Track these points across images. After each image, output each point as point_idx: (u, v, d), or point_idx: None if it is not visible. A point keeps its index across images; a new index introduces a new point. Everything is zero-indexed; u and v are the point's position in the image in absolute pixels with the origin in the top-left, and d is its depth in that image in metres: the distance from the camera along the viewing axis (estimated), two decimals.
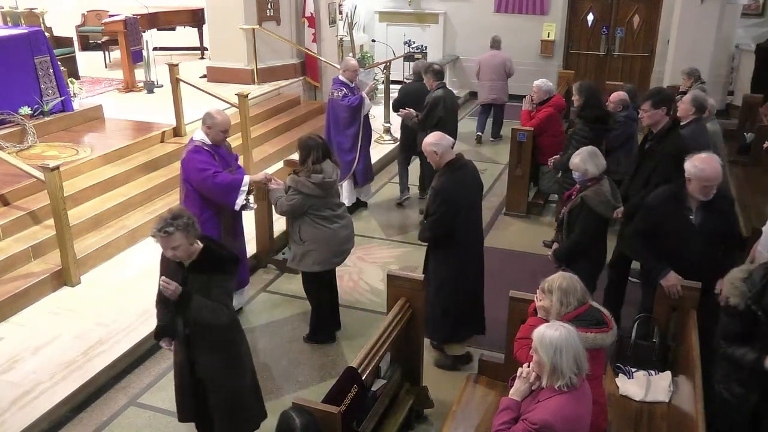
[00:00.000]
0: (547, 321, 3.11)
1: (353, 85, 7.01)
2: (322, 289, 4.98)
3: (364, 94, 7.01)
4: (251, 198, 5.07)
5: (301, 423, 2.78)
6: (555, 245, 4.64)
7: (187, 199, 4.89)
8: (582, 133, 6.00)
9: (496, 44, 9.97)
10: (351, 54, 10.76)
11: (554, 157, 6.43)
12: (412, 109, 6.90)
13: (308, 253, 4.74)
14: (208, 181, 4.69)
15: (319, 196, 4.63)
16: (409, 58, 11.78)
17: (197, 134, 4.83)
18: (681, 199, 3.98)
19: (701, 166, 3.86)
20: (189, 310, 3.32)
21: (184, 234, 3.28)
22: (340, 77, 7.01)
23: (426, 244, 4.65)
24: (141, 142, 7.35)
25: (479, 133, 10.01)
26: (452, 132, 7.07)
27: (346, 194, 7.17)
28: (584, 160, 4.33)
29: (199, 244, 3.42)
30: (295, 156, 5.82)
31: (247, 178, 4.83)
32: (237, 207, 4.81)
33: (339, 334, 5.16)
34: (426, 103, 6.83)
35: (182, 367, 3.71)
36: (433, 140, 4.39)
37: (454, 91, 7.80)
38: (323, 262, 4.80)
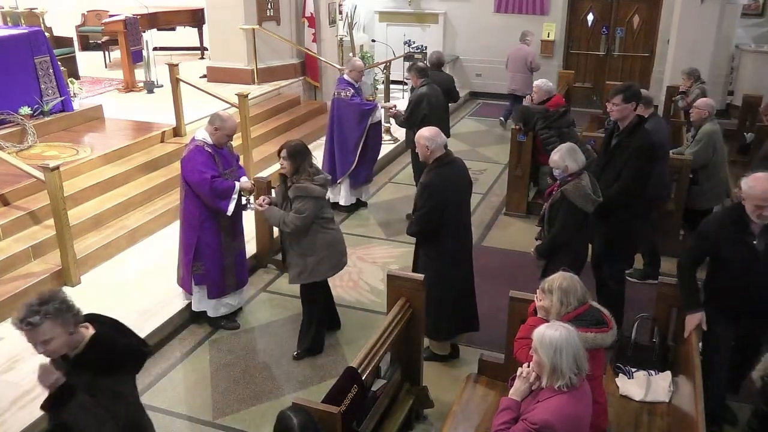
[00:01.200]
0: (547, 321, 3.11)
1: (358, 85, 7.01)
2: (321, 296, 4.93)
3: (380, 104, 7.01)
4: (251, 198, 5.08)
5: (299, 422, 2.78)
6: (537, 242, 4.67)
7: (186, 198, 4.90)
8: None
9: (522, 38, 10.49)
10: (351, 54, 10.76)
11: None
12: (397, 105, 6.98)
13: (322, 260, 4.61)
14: (205, 185, 4.70)
15: (323, 197, 4.63)
16: (409, 58, 11.78)
17: (200, 133, 4.83)
18: (741, 223, 3.58)
19: (751, 183, 3.49)
20: (64, 411, 2.51)
21: (56, 323, 2.55)
22: (346, 77, 7.01)
23: (414, 239, 4.68)
24: (141, 142, 7.35)
25: (501, 119, 10.91)
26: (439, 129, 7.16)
27: (344, 194, 7.18)
28: (563, 156, 4.35)
29: (87, 331, 2.62)
30: None
31: (237, 186, 4.83)
32: (229, 212, 4.81)
33: (339, 334, 5.17)
34: (409, 101, 6.92)
35: None
36: (428, 135, 4.43)
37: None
38: (337, 264, 4.76)
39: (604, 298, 4.75)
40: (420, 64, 7.25)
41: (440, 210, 4.36)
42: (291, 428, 2.77)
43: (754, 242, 3.57)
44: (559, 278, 3.20)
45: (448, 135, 7.25)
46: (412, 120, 6.74)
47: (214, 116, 4.80)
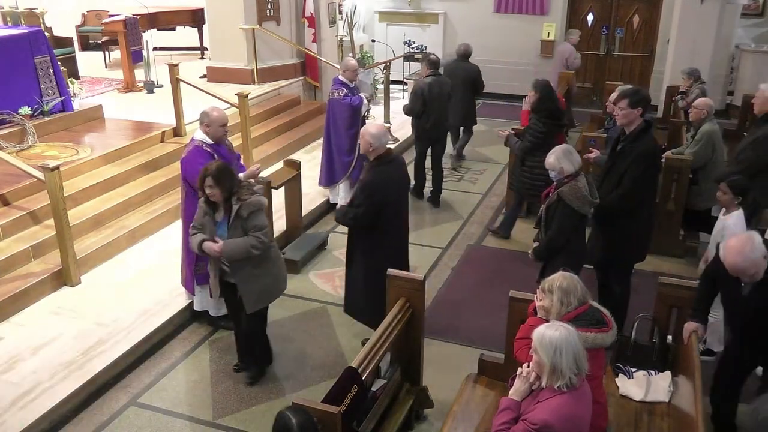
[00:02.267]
0: (547, 321, 3.11)
1: (353, 85, 7.02)
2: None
3: (364, 96, 7.04)
4: None
5: (298, 422, 2.78)
6: (535, 244, 4.67)
7: (187, 198, 4.90)
8: (536, 127, 6.17)
9: (567, 36, 10.78)
10: (351, 54, 10.76)
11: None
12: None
13: (278, 276, 4.45)
14: None
15: None
16: (409, 58, 11.79)
17: (197, 134, 4.84)
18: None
19: (723, 251, 3.54)
20: None
21: None
22: (340, 77, 7.02)
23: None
24: (141, 142, 7.35)
25: None
26: (439, 119, 7.27)
27: (343, 194, 7.17)
28: (559, 158, 4.35)
29: None
30: (295, 156, 5.81)
31: (241, 176, 4.79)
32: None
33: (339, 334, 5.16)
34: (411, 91, 7.22)
35: None
36: (374, 132, 4.46)
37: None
38: (286, 275, 4.61)
39: (605, 298, 4.75)
40: (433, 56, 7.47)
41: (377, 210, 4.38)
42: (290, 428, 2.77)
43: (743, 284, 3.61)
44: (559, 278, 3.20)
45: (443, 125, 7.45)
46: (414, 109, 7.06)
47: (202, 115, 4.80)
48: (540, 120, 6.16)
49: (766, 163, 5.34)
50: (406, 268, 4.75)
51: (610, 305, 4.71)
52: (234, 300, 4.43)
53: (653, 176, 4.67)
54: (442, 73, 7.59)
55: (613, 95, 6.86)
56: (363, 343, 4.37)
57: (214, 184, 4.05)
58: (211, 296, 5.05)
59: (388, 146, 4.55)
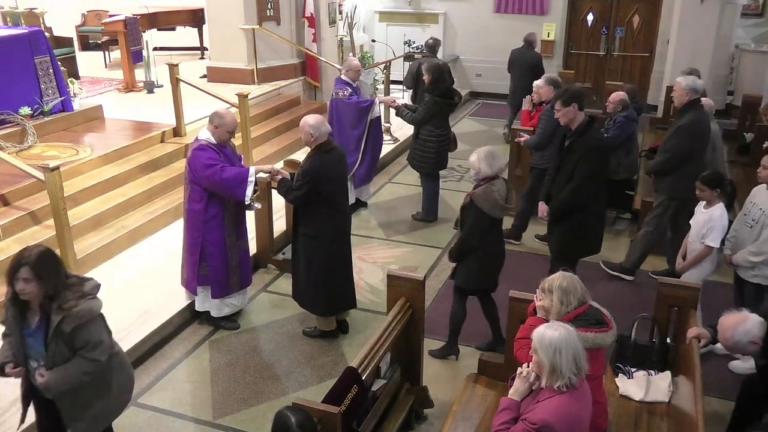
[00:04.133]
0: (546, 321, 3.12)
1: (356, 84, 7.02)
2: None
3: (377, 99, 7.05)
4: (255, 197, 5.08)
5: (297, 421, 2.77)
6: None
7: (191, 199, 4.90)
8: (429, 104, 6.73)
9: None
10: (351, 54, 10.75)
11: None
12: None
13: (120, 395, 3.47)
14: (216, 176, 4.69)
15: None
16: (408, 58, 11.77)
17: (202, 133, 4.84)
18: None
19: (719, 326, 3.47)
20: None
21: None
22: (343, 77, 7.01)
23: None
24: (141, 142, 7.35)
25: None
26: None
27: None
28: (480, 158, 4.38)
29: None
30: (295, 156, 5.78)
31: (252, 169, 4.83)
32: (247, 200, 4.81)
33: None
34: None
35: None
36: (313, 122, 4.65)
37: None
38: (131, 391, 3.58)
39: None
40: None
41: (316, 192, 4.62)
42: (289, 427, 2.76)
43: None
44: (559, 278, 3.20)
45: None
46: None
47: (213, 115, 4.81)
48: (433, 98, 6.70)
49: (688, 152, 5.51)
50: (348, 251, 5.05)
51: None
52: (54, 426, 3.26)
53: (602, 169, 4.77)
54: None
55: (614, 95, 6.91)
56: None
57: (31, 277, 2.90)
58: (212, 296, 5.06)
59: (328, 136, 4.76)
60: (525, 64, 9.49)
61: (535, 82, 7.14)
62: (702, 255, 4.63)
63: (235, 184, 4.75)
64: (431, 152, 6.81)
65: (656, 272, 5.73)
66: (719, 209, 4.61)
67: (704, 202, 4.73)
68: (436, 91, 6.71)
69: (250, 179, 4.77)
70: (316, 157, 4.68)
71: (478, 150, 4.45)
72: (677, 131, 5.62)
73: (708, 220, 4.60)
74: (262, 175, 5.02)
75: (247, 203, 4.94)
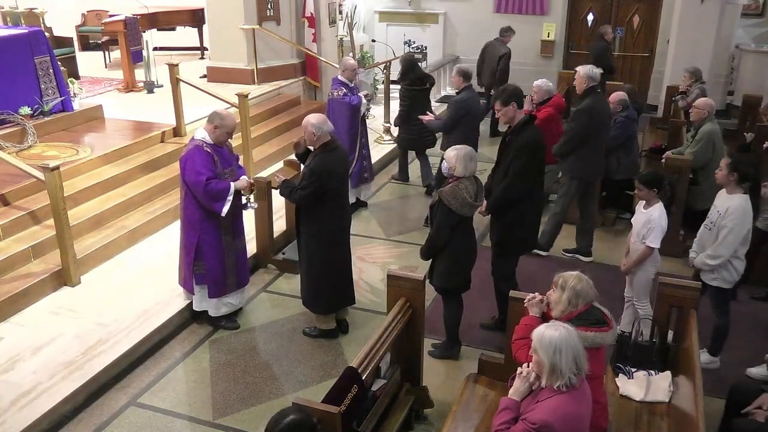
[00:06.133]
0: (539, 318, 3.13)
1: (353, 84, 7.02)
2: None
3: (362, 94, 7.06)
4: (252, 197, 5.08)
5: (292, 421, 2.74)
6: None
7: (187, 198, 4.90)
8: (404, 93, 7.45)
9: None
10: (351, 54, 10.75)
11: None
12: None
13: None
14: (200, 187, 4.71)
15: None
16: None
17: (199, 132, 4.83)
18: None
19: None
20: None
21: None
22: (340, 77, 7.02)
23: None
24: (141, 142, 7.35)
25: None
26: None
27: None
28: (458, 157, 4.39)
29: None
30: (295, 156, 5.72)
31: (232, 187, 4.82)
32: (223, 214, 4.81)
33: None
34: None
35: None
36: (315, 122, 4.69)
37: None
38: None
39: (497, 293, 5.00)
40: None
41: (322, 191, 4.65)
42: (314, 426, 2.74)
43: None
44: (575, 279, 3.19)
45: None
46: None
47: (213, 114, 4.80)
48: (406, 87, 7.35)
49: (585, 134, 5.94)
50: (348, 251, 5.09)
51: (499, 301, 4.89)
52: None
53: (537, 167, 4.76)
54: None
55: (614, 95, 6.91)
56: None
57: None
58: (209, 296, 5.07)
59: (330, 135, 4.78)
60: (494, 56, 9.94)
61: (535, 82, 7.14)
62: (644, 255, 4.61)
63: (214, 199, 4.76)
64: (426, 134, 7.51)
65: (567, 250, 6.47)
66: (658, 209, 4.59)
67: (644, 202, 4.71)
68: (407, 80, 7.38)
69: (228, 198, 4.78)
70: (321, 155, 4.71)
71: (459, 148, 4.48)
72: (576, 115, 6.04)
73: (647, 221, 4.59)
74: (243, 183, 4.97)
75: (243, 203, 4.95)
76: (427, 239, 4.61)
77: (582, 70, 6.06)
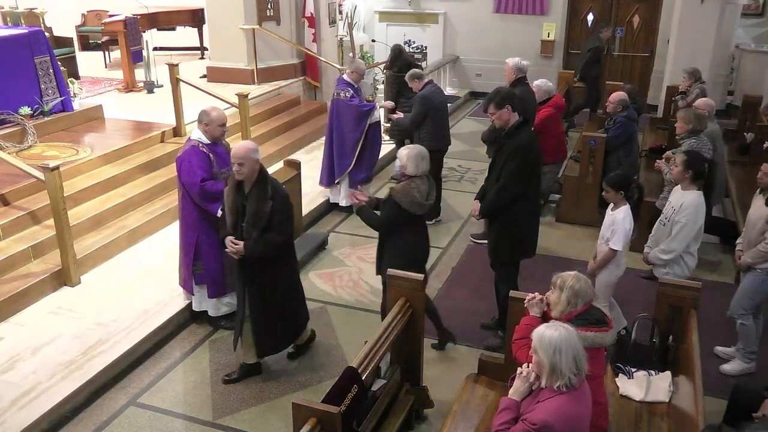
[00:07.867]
0: (539, 318, 3.13)
1: (357, 86, 7.01)
2: None
3: (377, 104, 7.06)
4: None
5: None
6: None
7: (185, 198, 4.90)
8: (391, 80, 7.64)
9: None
10: (351, 54, 10.76)
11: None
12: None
13: None
14: (195, 187, 4.72)
15: None
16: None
17: (195, 133, 4.85)
18: None
19: None
20: None
21: None
22: (346, 77, 7.01)
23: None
24: (141, 142, 7.35)
25: None
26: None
27: (343, 194, 7.17)
28: (409, 156, 4.39)
29: None
30: (295, 156, 5.78)
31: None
32: (218, 215, 4.74)
33: (339, 334, 5.16)
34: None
35: None
36: (253, 147, 4.29)
37: (453, 91, 8.02)
38: None
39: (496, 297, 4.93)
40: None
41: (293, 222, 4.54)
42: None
43: None
44: (573, 279, 3.20)
45: None
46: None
47: (201, 114, 4.81)
48: (394, 73, 7.46)
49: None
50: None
51: (500, 305, 4.80)
52: None
53: (530, 170, 4.68)
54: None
55: (614, 95, 6.92)
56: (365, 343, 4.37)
57: None
58: (208, 296, 5.06)
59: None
60: None
61: (535, 82, 7.15)
62: (607, 257, 4.60)
63: (209, 200, 4.75)
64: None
65: (475, 235, 6.61)
66: (623, 212, 4.57)
67: (612, 204, 4.71)
68: (395, 67, 7.60)
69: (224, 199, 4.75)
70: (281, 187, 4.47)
71: (411, 147, 4.48)
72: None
73: (612, 223, 4.59)
74: None
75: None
76: (370, 224, 4.58)
77: (511, 61, 6.62)
